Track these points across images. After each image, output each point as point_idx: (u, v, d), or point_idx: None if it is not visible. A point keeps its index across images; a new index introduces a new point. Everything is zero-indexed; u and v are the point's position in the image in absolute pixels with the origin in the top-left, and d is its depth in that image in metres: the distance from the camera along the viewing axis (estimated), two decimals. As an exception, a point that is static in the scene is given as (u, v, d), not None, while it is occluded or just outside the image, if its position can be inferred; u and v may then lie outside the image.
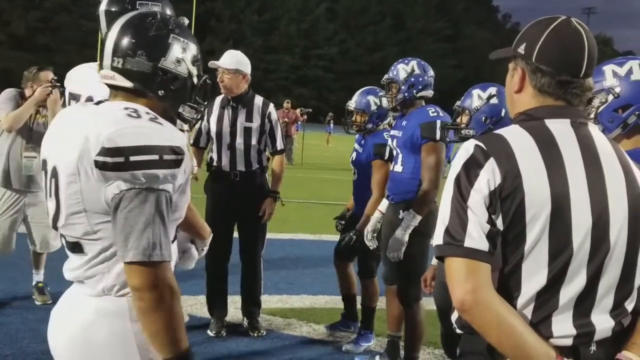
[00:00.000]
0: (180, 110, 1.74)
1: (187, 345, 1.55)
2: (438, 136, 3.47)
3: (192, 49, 1.72)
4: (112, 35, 1.65)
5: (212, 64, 4.23)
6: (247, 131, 4.33)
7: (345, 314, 4.56)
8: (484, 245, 1.39)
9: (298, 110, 18.91)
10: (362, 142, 4.26)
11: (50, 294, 4.65)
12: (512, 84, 1.58)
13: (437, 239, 1.45)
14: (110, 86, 1.68)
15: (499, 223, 1.41)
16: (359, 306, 4.50)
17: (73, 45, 50.76)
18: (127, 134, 1.49)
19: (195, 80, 1.74)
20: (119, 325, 1.58)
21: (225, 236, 4.32)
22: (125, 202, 1.48)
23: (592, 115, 1.92)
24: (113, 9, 2.63)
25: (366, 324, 4.33)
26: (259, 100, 4.42)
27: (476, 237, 1.39)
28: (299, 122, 19.48)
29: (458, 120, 3.18)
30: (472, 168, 1.42)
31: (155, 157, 1.49)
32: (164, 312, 1.49)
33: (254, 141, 4.35)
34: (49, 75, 4.59)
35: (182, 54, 1.68)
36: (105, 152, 1.47)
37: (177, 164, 1.53)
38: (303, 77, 62.26)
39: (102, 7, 2.54)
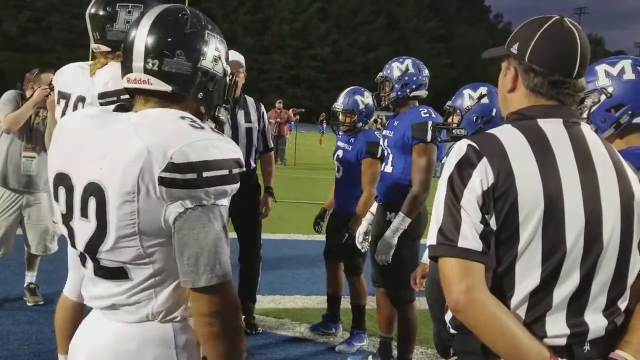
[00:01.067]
0: (215, 112, 1.59)
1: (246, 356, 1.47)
2: (429, 138, 3.45)
3: (224, 45, 1.58)
4: (141, 34, 1.46)
5: (233, 62, 4.24)
6: (249, 132, 4.35)
7: (327, 315, 4.56)
8: (477, 245, 1.39)
9: (290, 111, 18.90)
10: (350, 140, 4.26)
11: (41, 295, 4.63)
12: (505, 83, 1.58)
13: (431, 239, 1.44)
14: (139, 91, 1.49)
15: (492, 223, 1.41)
16: (343, 306, 4.52)
17: (65, 46, 50.60)
18: (198, 148, 1.34)
19: (227, 79, 1.60)
20: (164, 353, 1.45)
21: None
22: (192, 221, 1.35)
23: (584, 115, 1.93)
24: (98, 12, 2.63)
25: (358, 323, 4.33)
26: (250, 100, 4.44)
27: (469, 237, 1.39)
28: (292, 122, 19.47)
29: (449, 120, 3.19)
30: (465, 168, 1.42)
31: (226, 171, 1.38)
32: (235, 332, 1.40)
33: (254, 141, 4.37)
34: (50, 77, 4.58)
35: (217, 52, 1.53)
36: (174, 168, 1.32)
37: (239, 178, 1.43)
38: (296, 77, 62.32)
39: (88, 10, 2.53)
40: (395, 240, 3.45)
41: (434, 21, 69.86)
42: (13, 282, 4.95)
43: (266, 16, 62.36)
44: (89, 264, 1.49)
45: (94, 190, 1.39)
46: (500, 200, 1.40)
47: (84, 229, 1.44)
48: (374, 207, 3.86)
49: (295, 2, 62.89)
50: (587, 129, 1.55)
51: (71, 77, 2.82)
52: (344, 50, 64.81)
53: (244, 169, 1.47)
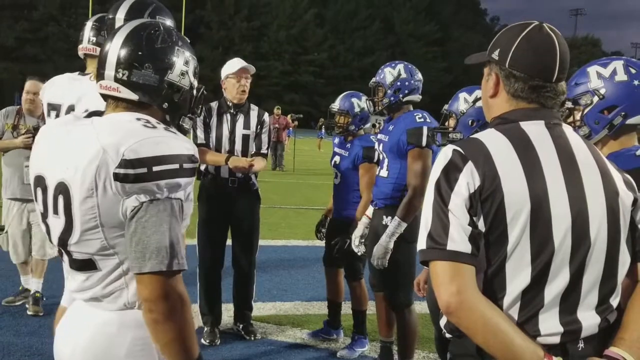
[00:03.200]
0: (179, 121, 1.72)
1: (199, 353, 1.54)
2: (424, 142, 3.46)
3: (193, 61, 1.70)
4: (115, 46, 1.60)
5: (241, 68, 4.29)
6: (245, 139, 4.37)
7: (327, 321, 4.56)
8: (466, 247, 1.41)
9: (289, 117, 18.92)
10: (347, 145, 4.28)
11: (42, 306, 4.65)
12: (487, 88, 1.61)
13: (421, 243, 1.47)
14: (110, 97, 1.63)
15: (481, 225, 1.43)
16: (344, 312, 4.52)
17: (62, 56, 50.60)
18: (148, 145, 1.46)
19: (194, 92, 1.72)
20: (141, 335, 1.55)
21: (220, 244, 4.40)
22: (141, 212, 1.46)
23: (577, 117, 1.95)
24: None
25: (359, 328, 4.33)
26: (255, 108, 4.48)
27: (458, 239, 1.41)
28: (290, 129, 19.48)
29: (446, 124, 3.20)
30: (451, 172, 1.45)
31: (176, 166, 1.48)
32: (176, 322, 1.47)
33: (250, 148, 4.39)
34: (31, 85, 4.75)
35: (185, 67, 1.66)
36: (126, 164, 1.44)
37: (193, 172, 1.53)
38: (294, 83, 62.41)
39: (120, 15, 2.47)
40: (391, 245, 3.46)
41: (430, 25, 70.03)
42: (13, 292, 4.95)
43: (263, 23, 62.46)
44: (65, 257, 1.63)
45: (62, 189, 1.53)
46: (487, 202, 1.42)
47: (56, 224, 1.58)
48: (370, 211, 3.87)
49: (292, 8, 63.02)
50: (569, 130, 1.57)
51: (61, 88, 2.82)
52: (340, 55, 64.92)
53: (196, 165, 1.55)
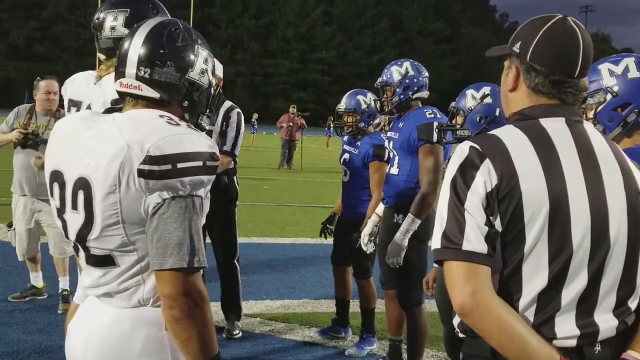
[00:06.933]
0: (198, 119, 1.72)
1: (218, 350, 1.53)
2: (435, 138, 3.44)
3: (211, 59, 1.71)
4: (135, 44, 1.60)
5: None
6: (208, 134, 4.26)
7: (336, 319, 4.54)
8: (482, 247, 1.38)
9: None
10: (357, 143, 4.25)
11: (53, 303, 4.67)
12: (507, 82, 1.56)
13: (435, 242, 1.43)
14: (129, 95, 1.62)
15: (498, 224, 1.39)
16: (353, 310, 4.50)
17: (71, 54, 50.92)
18: (172, 142, 1.46)
19: (212, 90, 1.73)
20: (155, 334, 1.55)
21: None
22: (164, 208, 1.45)
23: (590, 115, 1.92)
24: (94, 22, 2.62)
25: (367, 327, 4.31)
26: (226, 105, 4.35)
27: (474, 239, 1.38)
28: (303, 128, 19.33)
29: (453, 121, 3.17)
30: (467, 170, 1.41)
31: (200, 163, 1.48)
32: (196, 319, 1.46)
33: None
34: (49, 85, 4.81)
35: (205, 65, 1.67)
36: (151, 160, 1.44)
37: (214, 170, 1.53)
38: (302, 81, 62.41)
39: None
40: (405, 242, 3.43)
41: (439, 22, 69.79)
42: (22, 290, 4.96)
43: (271, 21, 62.49)
44: (81, 253, 1.61)
45: (83, 185, 1.52)
46: (505, 201, 1.38)
47: (74, 220, 1.57)
48: (380, 209, 3.85)
49: (300, 6, 62.98)
50: (590, 128, 1.53)
51: (83, 85, 2.83)
52: (349, 52, 64.84)
53: (218, 162, 1.55)
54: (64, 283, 4.79)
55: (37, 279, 4.94)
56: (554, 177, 1.40)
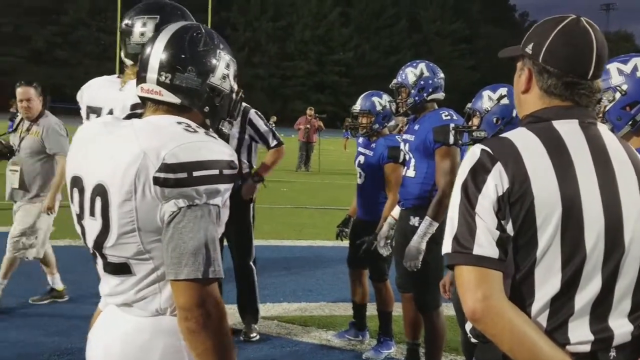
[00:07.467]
0: (219, 125, 1.69)
1: None
2: (451, 140, 3.42)
3: (234, 64, 1.68)
4: (157, 49, 1.58)
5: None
6: (226, 138, 4.32)
7: (353, 323, 4.53)
8: (493, 252, 1.36)
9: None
10: (372, 145, 4.24)
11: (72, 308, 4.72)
12: (519, 84, 1.55)
13: (446, 246, 1.42)
14: (150, 100, 1.60)
15: (509, 228, 1.38)
16: (370, 313, 4.48)
17: (92, 59, 51.53)
18: (189, 149, 1.44)
19: (234, 96, 1.70)
20: (173, 343, 1.52)
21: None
22: (179, 217, 1.43)
23: (599, 114, 1.91)
24: (122, 27, 2.64)
25: (385, 330, 4.29)
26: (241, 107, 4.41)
27: (485, 244, 1.36)
28: (321, 130, 19.31)
29: (470, 122, 3.15)
30: (479, 173, 1.40)
31: (216, 171, 1.45)
32: (212, 331, 1.43)
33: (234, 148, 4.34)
34: (22, 93, 4.81)
35: (227, 70, 1.64)
36: (167, 168, 1.41)
37: (232, 178, 1.49)
38: (319, 83, 62.45)
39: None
40: (423, 246, 3.41)
41: (457, 23, 69.38)
42: (42, 293, 5.02)
43: (288, 23, 62.63)
44: (99, 260, 1.60)
45: (100, 191, 1.51)
46: (517, 205, 1.37)
47: (92, 226, 1.55)
48: (396, 212, 3.83)
49: (317, 8, 63.05)
50: (604, 130, 1.51)
51: (101, 91, 2.83)
52: (366, 54, 64.73)
53: (236, 171, 1.52)
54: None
55: (55, 281, 5.00)
56: (567, 180, 1.38)
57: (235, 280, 4.53)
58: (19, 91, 4.81)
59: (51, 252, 5.02)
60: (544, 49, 1.47)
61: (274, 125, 27.70)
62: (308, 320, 4.87)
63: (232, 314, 4.60)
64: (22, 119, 4.87)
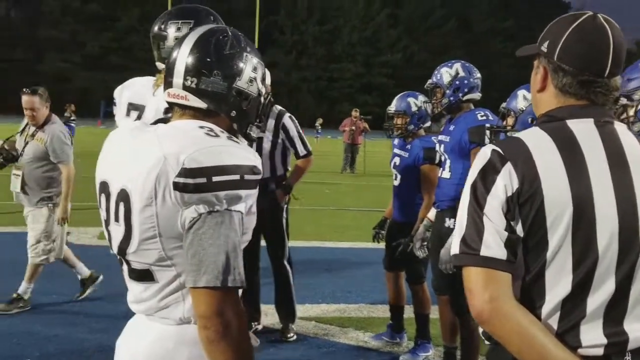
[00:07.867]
0: (247, 129, 1.66)
1: None
2: (487, 141, 3.36)
3: (261, 67, 1.65)
4: (183, 53, 1.56)
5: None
6: (259, 141, 4.30)
7: (391, 325, 4.50)
8: (501, 253, 1.34)
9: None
10: (407, 146, 4.22)
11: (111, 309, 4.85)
12: (535, 82, 1.52)
13: (454, 247, 1.41)
14: (177, 105, 1.58)
15: (519, 229, 1.36)
16: (408, 316, 4.45)
17: (145, 64, 52.77)
18: (209, 154, 1.41)
19: (262, 99, 1.66)
20: (198, 353, 1.47)
21: (254, 248, 4.35)
22: (199, 223, 1.40)
23: (631, 113, 1.84)
24: (155, 31, 2.69)
25: (422, 333, 4.25)
26: (275, 110, 4.42)
27: (493, 245, 1.34)
28: (366, 132, 19.24)
29: (504, 122, 3.10)
30: (488, 174, 1.38)
31: (237, 177, 1.41)
32: (231, 342, 1.39)
33: (263, 151, 4.34)
34: (26, 102, 4.77)
35: (254, 73, 1.60)
36: (186, 173, 1.39)
37: (255, 184, 1.46)
38: (367, 85, 62.22)
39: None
40: None
41: (509, 21, 68.00)
42: (78, 290, 5.15)
43: (335, 26, 62.68)
44: (124, 267, 1.59)
45: (124, 196, 1.50)
46: (526, 205, 1.34)
47: (117, 232, 1.54)
48: (431, 213, 3.80)
49: (364, 10, 62.90)
50: (621, 129, 1.46)
51: (144, 89, 2.88)
52: (415, 55, 64.17)
53: (259, 176, 1.49)
54: (22, 288, 4.80)
55: (81, 271, 5.08)
56: (578, 179, 1.35)
57: (273, 280, 4.57)
58: (24, 99, 4.77)
59: (65, 247, 5.05)
60: (558, 46, 1.44)
61: (319, 127, 27.85)
62: (346, 321, 4.86)
63: (271, 314, 4.64)
64: (27, 124, 4.89)
